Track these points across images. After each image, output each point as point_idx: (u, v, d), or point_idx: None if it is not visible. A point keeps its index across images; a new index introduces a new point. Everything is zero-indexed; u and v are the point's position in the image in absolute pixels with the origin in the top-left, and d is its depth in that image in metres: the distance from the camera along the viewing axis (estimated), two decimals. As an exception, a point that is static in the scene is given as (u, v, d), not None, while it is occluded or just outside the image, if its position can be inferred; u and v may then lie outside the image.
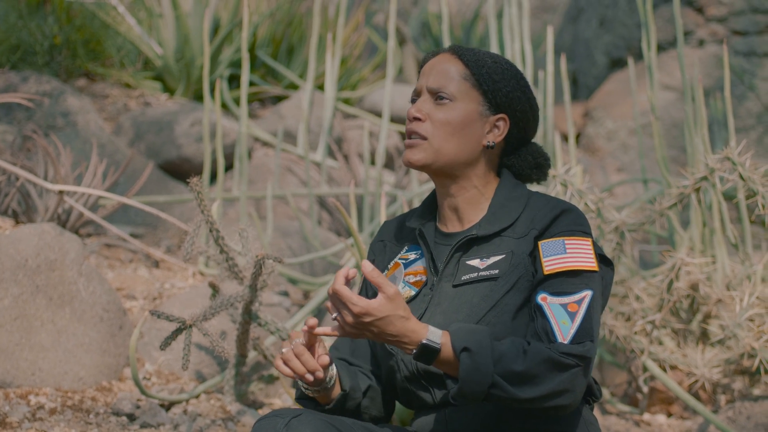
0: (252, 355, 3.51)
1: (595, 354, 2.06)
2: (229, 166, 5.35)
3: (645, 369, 3.75)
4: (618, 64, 7.25)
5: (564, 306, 2.04)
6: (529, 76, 4.74)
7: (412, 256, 2.25)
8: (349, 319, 1.98)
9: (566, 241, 2.09)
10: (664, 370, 3.76)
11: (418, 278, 2.20)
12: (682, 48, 4.05)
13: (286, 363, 2.07)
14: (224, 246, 3.19)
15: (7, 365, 3.22)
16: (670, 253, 3.78)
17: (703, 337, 3.84)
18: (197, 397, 3.41)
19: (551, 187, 3.46)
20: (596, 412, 3.80)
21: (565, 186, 3.46)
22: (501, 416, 2.09)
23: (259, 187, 5.20)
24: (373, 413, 2.23)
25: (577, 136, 6.92)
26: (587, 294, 2.05)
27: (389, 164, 5.79)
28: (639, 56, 6.91)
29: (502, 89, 2.18)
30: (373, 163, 5.47)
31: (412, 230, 2.27)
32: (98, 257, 4.22)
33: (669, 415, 3.93)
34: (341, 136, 5.60)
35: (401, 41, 7.07)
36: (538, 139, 4.63)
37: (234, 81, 6.26)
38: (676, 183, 3.58)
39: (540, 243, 2.10)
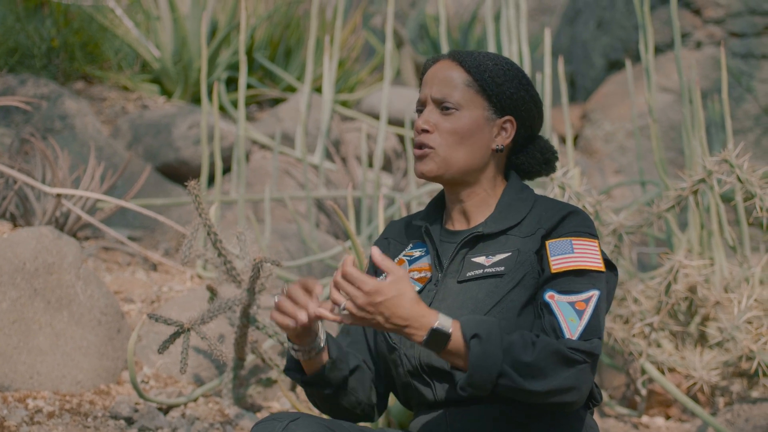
0: (250, 359, 3.51)
1: (601, 353, 2.07)
2: (226, 169, 5.35)
3: (643, 371, 3.75)
4: (615, 66, 7.25)
5: (572, 304, 2.05)
6: (526, 78, 4.73)
7: (416, 253, 2.26)
8: (360, 300, 1.95)
9: (573, 242, 2.10)
10: (663, 372, 3.76)
11: (422, 274, 2.21)
12: (680, 50, 4.06)
13: (279, 309, 2.03)
14: (222, 249, 3.19)
15: (5, 369, 3.22)
16: (668, 256, 3.78)
17: (702, 339, 3.84)
18: (195, 400, 3.41)
19: (549, 190, 3.46)
20: (594, 415, 3.80)
21: (563, 188, 3.46)
22: (501, 420, 2.09)
23: (257, 189, 5.20)
24: (360, 397, 2.21)
25: (575, 138, 6.92)
26: (594, 293, 2.06)
27: (387, 167, 5.79)
28: (636, 58, 6.91)
29: (506, 92, 2.19)
30: (371, 165, 5.47)
31: (417, 229, 2.27)
32: (96, 260, 4.22)
33: (667, 417, 3.92)
34: (339, 138, 5.60)
35: (399, 43, 7.08)
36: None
37: (232, 84, 6.26)
38: (673, 185, 3.58)
39: (547, 242, 2.11)
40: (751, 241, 5.25)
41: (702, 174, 3.38)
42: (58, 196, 3.99)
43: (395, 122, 5.94)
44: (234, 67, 6.15)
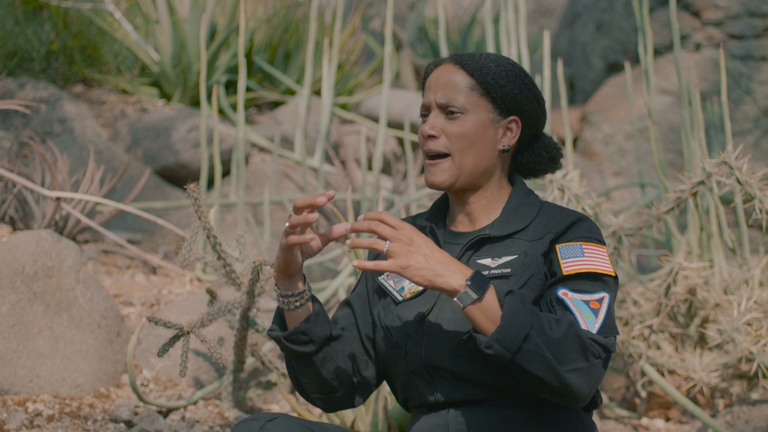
0: (250, 362, 3.51)
1: (615, 350, 2.08)
2: (226, 172, 5.35)
3: (643, 373, 3.75)
4: (615, 68, 7.26)
5: (586, 302, 2.06)
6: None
7: None
8: (405, 233, 1.99)
9: (584, 246, 2.12)
10: (662, 374, 3.75)
11: None
12: (679, 52, 4.06)
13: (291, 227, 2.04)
14: (221, 252, 3.19)
15: (4, 372, 3.22)
16: (668, 258, 3.78)
17: (701, 341, 3.84)
18: (195, 403, 3.40)
19: (548, 192, 3.46)
20: (594, 417, 3.80)
21: (562, 191, 3.45)
22: (501, 421, 2.09)
23: (257, 192, 5.20)
24: (341, 365, 2.20)
25: (574, 141, 6.92)
26: (606, 295, 2.08)
27: (386, 169, 5.79)
28: (636, 60, 6.92)
29: (510, 92, 2.20)
30: (370, 168, 5.47)
31: (422, 229, 2.28)
32: (95, 264, 4.22)
33: (667, 419, 3.92)
34: (338, 141, 5.60)
35: (398, 46, 7.08)
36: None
37: (231, 87, 6.27)
38: (673, 187, 3.58)
39: (557, 246, 2.13)
40: (751, 243, 5.25)
41: (701, 176, 3.38)
42: (58, 199, 3.99)
43: (394, 125, 5.94)
44: (233, 70, 6.15)
